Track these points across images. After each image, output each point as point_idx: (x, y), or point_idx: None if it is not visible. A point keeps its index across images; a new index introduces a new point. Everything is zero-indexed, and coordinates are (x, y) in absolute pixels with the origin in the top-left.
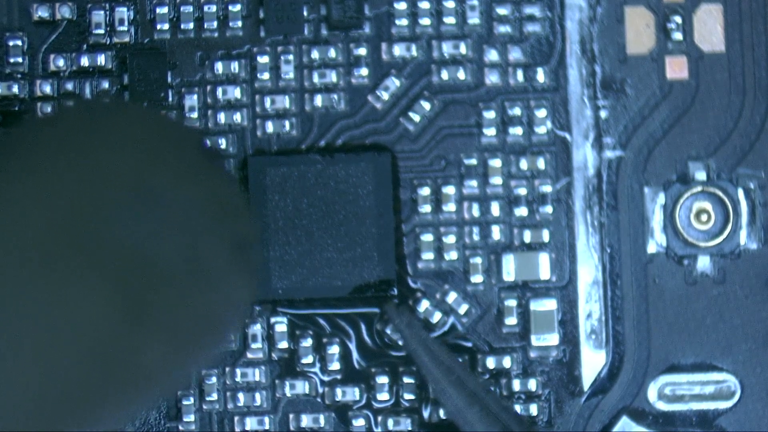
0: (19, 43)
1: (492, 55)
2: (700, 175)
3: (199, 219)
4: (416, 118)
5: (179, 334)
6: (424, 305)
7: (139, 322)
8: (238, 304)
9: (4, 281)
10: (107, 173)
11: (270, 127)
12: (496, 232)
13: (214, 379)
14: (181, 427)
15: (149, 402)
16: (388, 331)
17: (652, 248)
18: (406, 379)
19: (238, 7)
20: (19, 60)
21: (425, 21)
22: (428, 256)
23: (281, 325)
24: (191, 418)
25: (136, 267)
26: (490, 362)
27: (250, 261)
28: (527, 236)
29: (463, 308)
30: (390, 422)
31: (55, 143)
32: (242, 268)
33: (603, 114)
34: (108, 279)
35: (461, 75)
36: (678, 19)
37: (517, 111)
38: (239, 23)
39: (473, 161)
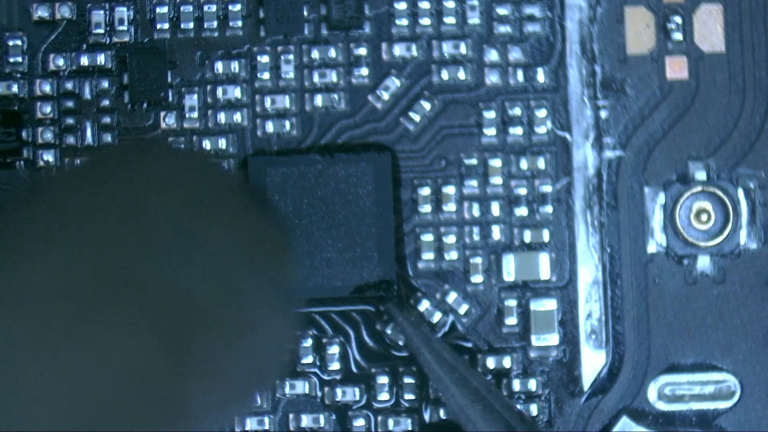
0: (19, 42)
1: (492, 55)
2: (700, 175)
3: (241, 261)
4: (416, 117)
5: (221, 377)
6: (424, 305)
7: (181, 364)
8: (277, 349)
9: (49, 323)
10: (150, 216)
11: (270, 127)
12: (496, 232)
13: None
14: None
15: None
16: (389, 331)
17: (652, 248)
18: (406, 380)
19: (238, 7)
20: (19, 60)
21: (425, 21)
22: (428, 256)
23: None
24: None
25: (178, 309)
26: (490, 362)
27: (289, 304)
28: (527, 236)
29: (463, 308)
30: (390, 422)
31: (97, 185)
32: (282, 312)
33: (603, 114)
34: (151, 321)
35: (461, 75)
36: (678, 19)
37: (517, 111)
38: (239, 23)
39: (473, 161)
